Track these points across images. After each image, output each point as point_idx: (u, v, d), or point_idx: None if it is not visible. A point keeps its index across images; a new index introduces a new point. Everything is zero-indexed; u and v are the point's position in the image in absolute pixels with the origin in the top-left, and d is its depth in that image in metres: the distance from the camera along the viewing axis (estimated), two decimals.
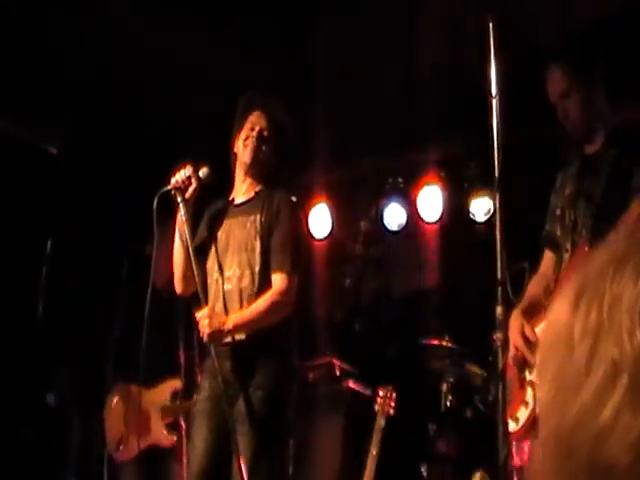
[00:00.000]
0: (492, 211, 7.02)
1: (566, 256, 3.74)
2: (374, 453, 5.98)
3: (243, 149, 4.73)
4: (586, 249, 3.54)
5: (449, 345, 6.05)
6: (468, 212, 7.31)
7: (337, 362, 6.69)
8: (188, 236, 4.59)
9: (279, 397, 4.43)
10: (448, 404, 6.04)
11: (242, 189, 4.79)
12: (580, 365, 0.93)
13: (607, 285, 0.93)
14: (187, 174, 4.63)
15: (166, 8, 6.48)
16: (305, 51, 6.96)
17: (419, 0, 6.36)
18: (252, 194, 4.74)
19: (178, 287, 4.83)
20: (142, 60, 6.97)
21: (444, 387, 6.08)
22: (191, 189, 4.65)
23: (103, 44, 6.81)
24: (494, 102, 3.03)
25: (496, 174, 3.06)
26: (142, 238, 5.70)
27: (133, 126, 7.62)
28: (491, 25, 3.00)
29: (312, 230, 7.86)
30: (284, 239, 4.54)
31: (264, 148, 4.72)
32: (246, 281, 4.52)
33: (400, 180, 7.87)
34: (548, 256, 3.96)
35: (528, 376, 3.56)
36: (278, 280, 4.47)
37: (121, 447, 5.89)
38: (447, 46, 6.37)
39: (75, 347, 7.70)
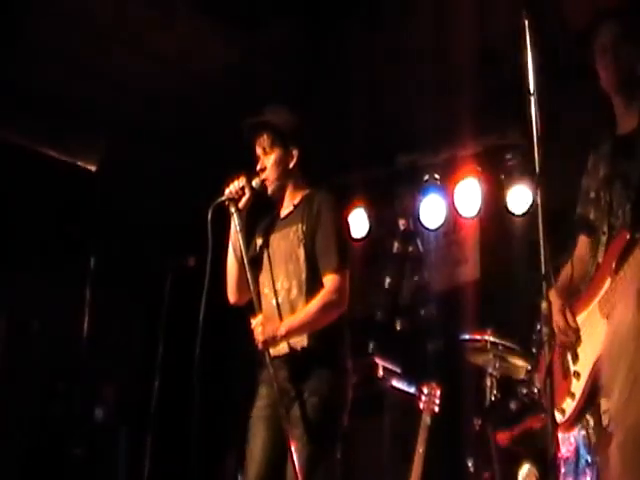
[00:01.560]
0: (531, 203, 6.98)
1: (603, 239, 3.64)
2: (421, 451, 5.98)
3: None
4: (627, 236, 3.45)
5: (491, 339, 6.02)
6: (506, 205, 7.27)
7: (380, 362, 6.68)
8: (242, 246, 4.59)
9: (334, 403, 4.42)
10: (493, 398, 6.01)
11: (284, 202, 4.79)
12: None
13: None
14: (240, 184, 4.63)
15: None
16: (338, 51, 6.97)
17: None
18: (291, 207, 4.74)
19: (232, 297, 4.82)
20: (179, 77, 7.02)
21: (488, 382, 6.05)
22: (244, 199, 4.64)
23: (140, 63, 6.87)
24: (532, 99, 3.00)
25: (537, 169, 3.03)
26: (184, 252, 5.72)
27: (170, 140, 7.67)
28: (527, 22, 2.98)
29: (351, 230, 7.85)
30: (328, 239, 4.51)
31: (275, 174, 4.71)
32: (295, 292, 4.52)
33: (437, 176, 7.85)
34: (583, 240, 3.89)
35: (572, 367, 3.50)
36: (329, 280, 4.43)
37: None
38: (481, 39, 6.35)
39: (121, 362, 7.76)
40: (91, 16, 6.62)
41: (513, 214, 7.24)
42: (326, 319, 4.44)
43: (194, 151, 7.73)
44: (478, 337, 6.13)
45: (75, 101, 7.19)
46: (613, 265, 3.43)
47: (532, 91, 3.01)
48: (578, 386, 3.40)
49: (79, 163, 7.26)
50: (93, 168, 7.40)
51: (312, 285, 4.49)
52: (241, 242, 4.60)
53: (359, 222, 8.18)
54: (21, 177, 7.39)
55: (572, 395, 3.43)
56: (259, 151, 4.74)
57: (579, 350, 3.45)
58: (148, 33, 6.81)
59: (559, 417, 3.47)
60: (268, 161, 4.70)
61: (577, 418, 3.42)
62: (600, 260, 3.59)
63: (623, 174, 3.62)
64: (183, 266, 5.74)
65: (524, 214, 7.12)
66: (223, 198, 4.64)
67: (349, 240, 4.83)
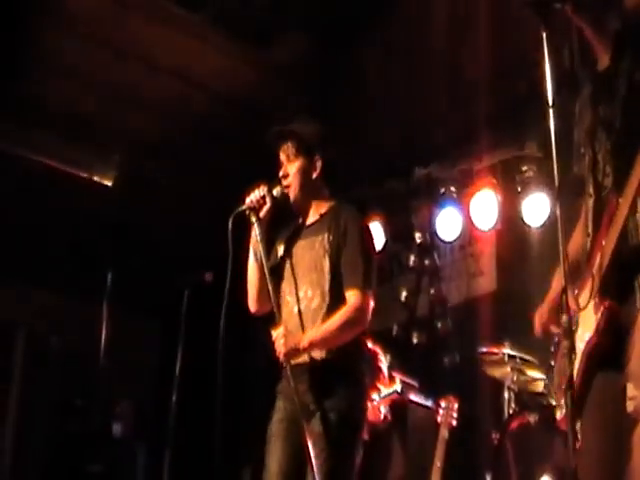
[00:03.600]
0: (548, 215, 6.97)
1: (590, 202, 3.28)
2: (439, 465, 5.95)
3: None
4: (615, 203, 3.07)
5: (509, 352, 5.99)
6: (523, 217, 7.25)
7: (397, 376, 6.65)
8: (263, 255, 4.57)
9: (353, 419, 4.41)
10: (511, 412, 5.98)
11: (309, 211, 4.76)
12: None
13: None
14: (261, 194, 4.60)
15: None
16: (354, 66, 6.98)
17: (466, 8, 6.35)
18: (318, 216, 4.71)
19: (252, 306, 4.78)
20: (195, 93, 7.04)
21: (506, 395, 6.01)
22: (265, 208, 4.61)
23: (155, 79, 6.90)
24: (551, 111, 2.94)
25: (555, 181, 2.97)
26: (201, 267, 5.71)
27: (186, 155, 7.68)
28: (544, 34, 2.94)
29: (375, 247, 7.80)
30: (354, 256, 4.48)
31: (298, 181, 4.67)
32: (317, 301, 4.50)
33: (453, 189, 7.83)
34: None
35: (576, 362, 3.30)
36: (352, 297, 4.41)
37: None
38: (497, 50, 6.35)
39: (138, 377, 7.76)
40: (107, 34, 6.65)
41: (530, 226, 7.22)
42: (347, 336, 4.43)
43: (210, 166, 7.74)
44: (495, 350, 6.10)
45: (91, 117, 7.21)
46: (603, 242, 3.13)
47: (551, 103, 2.97)
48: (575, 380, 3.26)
49: (95, 179, 7.28)
50: (109, 183, 7.42)
51: (335, 296, 4.46)
52: (262, 252, 4.57)
53: (375, 236, 8.17)
54: (38, 194, 7.42)
55: None
56: (283, 158, 4.71)
57: (577, 337, 3.24)
58: (164, 50, 6.83)
59: (559, 413, 3.37)
60: (291, 169, 4.67)
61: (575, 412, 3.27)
62: (590, 230, 3.27)
63: (605, 120, 3.23)
64: (200, 282, 5.72)
65: (541, 226, 7.10)
66: (244, 207, 4.60)
67: (374, 259, 4.79)
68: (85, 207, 7.54)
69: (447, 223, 7.89)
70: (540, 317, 3.62)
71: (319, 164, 4.70)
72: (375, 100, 7.36)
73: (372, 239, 4.79)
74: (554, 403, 3.48)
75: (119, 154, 7.55)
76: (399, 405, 6.72)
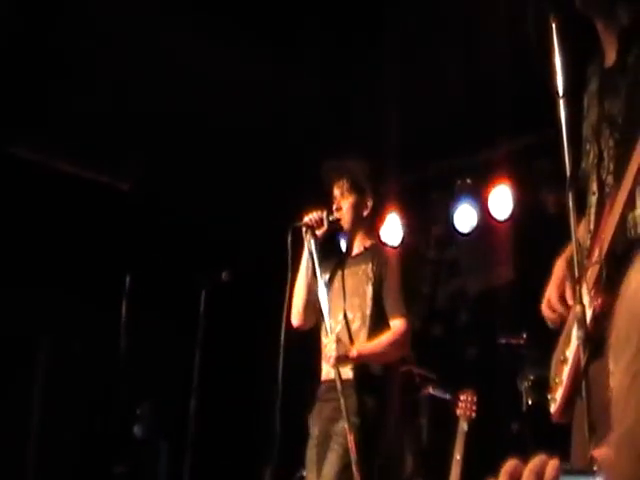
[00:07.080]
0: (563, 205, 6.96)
1: (593, 200, 3.13)
2: (458, 457, 5.95)
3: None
4: (614, 197, 2.93)
5: (527, 343, 5.99)
6: (540, 207, 7.24)
7: (416, 370, 6.66)
8: (318, 270, 4.93)
9: (376, 423, 4.77)
10: (529, 402, 5.97)
11: (354, 243, 5.17)
12: None
13: None
14: (320, 216, 4.99)
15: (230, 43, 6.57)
16: (369, 57, 6.97)
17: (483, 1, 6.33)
18: (362, 249, 5.11)
19: (296, 320, 5.10)
20: (210, 93, 7.04)
21: (524, 385, 6.01)
22: (322, 229, 5.00)
23: (170, 80, 6.90)
24: (561, 102, 2.92)
25: (567, 172, 2.94)
26: (218, 268, 5.79)
27: (203, 157, 7.69)
28: (554, 24, 2.92)
29: (384, 238, 7.79)
30: (396, 286, 4.91)
31: (349, 216, 5.08)
32: (357, 323, 4.89)
33: (469, 180, 7.82)
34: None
35: (566, 352, 3.23)
36: (397, 323, 4.82)
37: None
38: (511, 40, 6.31)
39: (158, 378, 7.78)
40: (125, 36, 6.65)
41: (547, 214, 7.21)
42: (392, 356, 4.88)
43: (228, 169, 7.73)
44: (514, 341, 6.10)
45: (109, 120, 7.22)
46: (602, 236, 2.97)
47: (561, 93, 2.94)
48: (565, 372, 3.22)
49: (112, 182, 7.32)
50: (125, 187, 7.47)
51: (376, 321, 4.86)
52: (317, 266, 4.94)
53: (393, 229, 8.17)
54: (54, 198, 7.45)
55: (561, 383, 3.23)
56: (337, 192, 5.10)
57: (572, 332, 3.17)
58: (186, 54, 6.82)
59: (552, 407, 3.32)
60: (344, 204, 5.07)
61: (566, 407, 3.21)
62: (592, 227, 3.13)
63: (609, 115, 3.09)
64: (217, 281, 5.81)
65: (557, 214, 7.09)
66: (301, 223, 4.96)
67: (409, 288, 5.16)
68: (102, 211, 7.58)
69: (464, 214, 7.89)
70: (558, 270, 3.45)
71: (370, 203, 5.11)
72: (392, 93, 7.33)
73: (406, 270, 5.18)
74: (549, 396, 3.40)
75: (137, 158, 7.57)
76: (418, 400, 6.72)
